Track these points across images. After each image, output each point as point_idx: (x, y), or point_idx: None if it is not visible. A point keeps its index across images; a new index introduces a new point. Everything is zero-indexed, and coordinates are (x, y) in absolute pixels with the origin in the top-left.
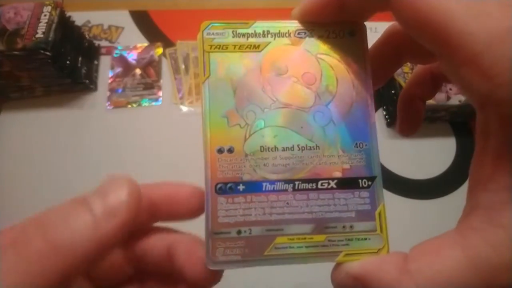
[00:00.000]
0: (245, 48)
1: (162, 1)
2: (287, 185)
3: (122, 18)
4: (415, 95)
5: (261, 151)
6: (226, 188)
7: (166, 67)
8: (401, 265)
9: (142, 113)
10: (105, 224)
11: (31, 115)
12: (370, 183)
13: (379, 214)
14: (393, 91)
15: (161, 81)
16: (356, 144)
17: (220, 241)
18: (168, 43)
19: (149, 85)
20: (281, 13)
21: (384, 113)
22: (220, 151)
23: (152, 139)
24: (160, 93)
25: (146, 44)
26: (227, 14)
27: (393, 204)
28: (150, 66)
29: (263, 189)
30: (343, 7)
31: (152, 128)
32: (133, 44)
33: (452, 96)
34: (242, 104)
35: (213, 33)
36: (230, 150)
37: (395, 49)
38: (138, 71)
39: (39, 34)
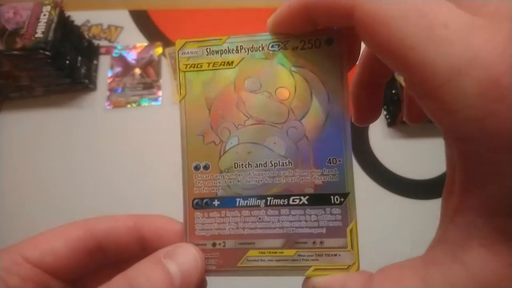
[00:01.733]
0: (219, 65)
1: (162, 0)
2: (259, 200)
3: (122, 17)
4: (369, 80)
5: (235, 167)
6: (202, 203)
7: (165, 66)
8: (364, 285)
9: (142, 113)
10: None
11: (30, 115)
12: (342, 199)
13: (351, 231)
14: (393, 91)
15: (161, 80)
16: (329, 160)
17: None
18: (167, 43)
19: (149, 85)
20: None
21: (385, 113)
22: (196, 168)
23: (152, 139)
24: (160, 93)
25: (145, 43)
26: (227, 14)
27: (393, 204)
28: (149, 65)
29: (237, 204)
30: (312, 20)
31: (151, 128)
32: (132, 44)
33: None
34: (217, 122)
35: (188, 52)
36: (206, 167)
37: None
38: (137, 70)
39: (39, 34)
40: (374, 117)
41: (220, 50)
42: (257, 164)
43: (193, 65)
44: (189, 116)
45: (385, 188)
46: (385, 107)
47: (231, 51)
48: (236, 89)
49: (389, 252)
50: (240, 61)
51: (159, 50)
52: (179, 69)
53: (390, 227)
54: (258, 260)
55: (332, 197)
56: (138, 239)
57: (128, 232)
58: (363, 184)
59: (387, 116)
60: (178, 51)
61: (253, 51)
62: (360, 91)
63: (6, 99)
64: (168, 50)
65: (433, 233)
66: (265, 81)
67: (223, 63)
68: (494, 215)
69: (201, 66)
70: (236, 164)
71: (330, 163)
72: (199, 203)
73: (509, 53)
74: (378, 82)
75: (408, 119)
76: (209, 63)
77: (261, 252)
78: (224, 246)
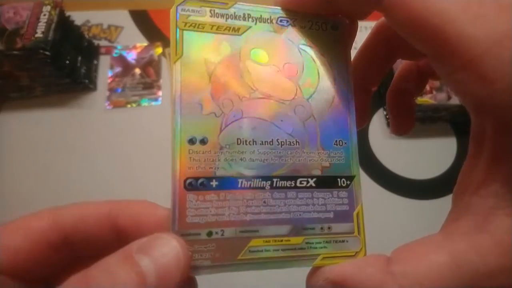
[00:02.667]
0: (224, 30)
1: (162, 0)
2: (264, 182)
3: (122, 17)
4: (403, 91)
5: (238, 144)
6: (197, 184)
7: (165, 66)
8: (383, 267)
9: (142, 113)
10: None
11: (30, 115)
12: (348, 182)
13: (357, 215)
14: None
15: (161, 80)
16: (336, 141)
17: (188, 244)
18: (167, 43)
19: (149, 85)
20: None
21: (385, 113)
22: (191, 141)
23: (152, 139)
24: (160, 93)
25: (145, 43)
26: None
27: (393, 204)
28: (149, 65)
29: (239, 185)
30: (331, 2)
31: (151, 127)
32: (132, 44)
33: (453, 96)
34: (219, 91)
35: (188, 10)
36: (203, 141)
37: (386, 46)
38: (137, 70)
39: (39, 34)
40: (410, 127)
41: (226, 14)
42: (262, 142)
43: (193, 24)
44: (185, 80)
45: (385, 188)
46: (385, 107)
47: (237, 17)
48: (241, 58)
49: (389, 252)
50: (247, 29)
51: (159, 50)
52: (176, 26)
53: (390, 227)
54: (262, 251)
55: (339, 179)
56: (112, 229)
57: (101, 221)
58: (363, 184)
59: (387, 116)
60: (177, 6)
61: (261, 22)
62: (396, 103)
63: (6, 99)
64: (168, 50)
65: (433, 232)
66: (273, 54)
67: (228, 28)
68: None
69: (203, 27)
70: (239, 140)
71: (337, 144)
72: (192, 184)
73: None
74: (366, 88)
75: (395, 131)
76: (212, 26)
77: (266, 241)
78: (222, 235)
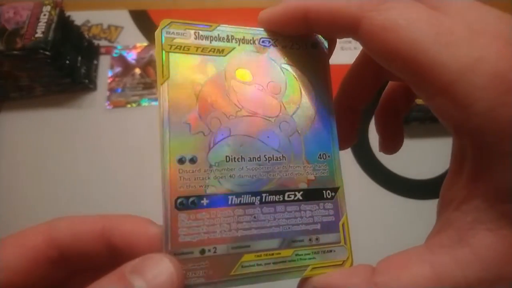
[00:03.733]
0: (209, 51)
1: (162, 0)
2: (254, 197)
3: (122, 17)
4: (390, 111)
5: (226, 161)
6: (188, 203)
7: None
8: (368, 278)
9: (142, 113)
10: None
11: (30, 115)
12: (333, 194)
13: (343, 225)
14: None
15: None
16: (320, 154)
17: (182, 263)
18: None
19: (149, 85)
20: None
21: None
22: (181, 161)
23: (152, 139)
24: None
25: (145, 43)
26: (227, 14)
27: (393, 204)
28: (149, 65)
29: (229, 202)
30: (309, 26)
31: (151, 127)
32: (132, 44)
33: None
34: (206, 110)
35: (173, 32)
36: (193, 160)
37: (373, 67)
38: (137, 70)
39: (39, 34)
40: (399, 145)
41: (210, 36)
42: (250, 158)
43: (178, 47)
44: (172, 101)
45: (385, 188)
46: None
47: (221, 39)
48: (227, 78)
49: (389, 252)
50: (231, 50)
51: None
52: (162, 48)
53: (390, 227)
54: (254, 265)
55: (324, 191)
56: (106, 247)
57: (95, 239)
58: (363, 184)
59: None
60: (162, 29)
61: (244, 43)
62: (338, 116)
63: (6, 99)
64: None
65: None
66: (257, 73)
67: (213, 50)
68: (501, 201)
69: (188, 49)
70: (228, 158)
71: (321, 158)
72: (183, 203)
73: (510, 54)
74: (355, 107)
75: (384, 149)
76: (197, 47)
77: (258, 256)
78: (215, 252)
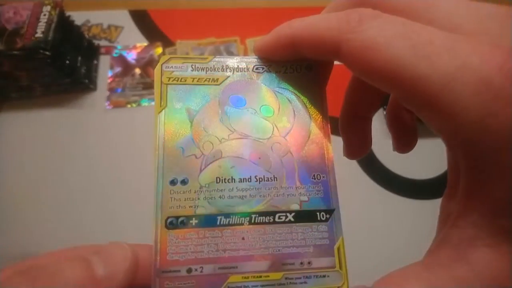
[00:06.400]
0: (204, 81)
1: (162, 0)
2: (243, 218)
3: (122, 17)
4: (401, 109)
5: (217, 182)
6: (177, 223)
7: None
8: None
9: (142, 113)
10: (103, 286)
11: (30, 115)
12: (328, 216)
13: (338, 249)
14: None
15: None
16: (314, 175)
17: (168, 280)
18: (167, 43)
19: (149, 85)
20: (282, 13)
21: (384, 113)
22: (173, 182)
23: (152, 139)
24: None
25: (145, 43)
26: (226, 14)
27: (393, 204)
28: (149, 65)
29: (218, 223)
30: (297, 52)
31: (151, 128)
32: (132, 44)
33: None
34: (199, 135)
35: (172, 67)
36: (184, 182)
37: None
38: (137, 70)
39: (39, 34)
40: (364, 151)
41: (206, 68)
42: (241, 179)
43: (176, 79)
44: (168, 128)
45: (385, 188)
46: (385, 107)
47: (216, 69)
48: (220, 104)
49: (389, 252)
50: (225, 79)
51: (159, 50)
52: (161, 81)
53: (389, 227)
54: (241, 287)
55: (318, 213)
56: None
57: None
58: (363, 184)
59: None
60: (162, 64)
61: (238, 71)
62: (348, 125)
63: (6, 99)
64: (168, 50)
65: (433, 232)
66: (250, 98)
67: (208, 80)
68: (498, 216)
69: (185, 80)
70: (218, 179)
71: (315, 178)
72: (173, 222)
73: (497, 58)
74: (365, 115)
75: (398, 149)
76: (193, 78)
77: (245, 277)
78: (201, 271)
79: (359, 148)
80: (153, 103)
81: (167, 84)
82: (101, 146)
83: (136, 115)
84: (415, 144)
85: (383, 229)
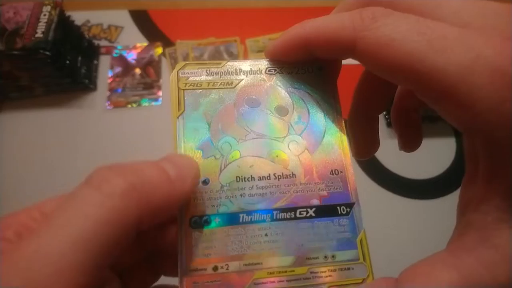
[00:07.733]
0: (219, 85)
1: (162, 0)
2: (265, 215)
3: (122, 17)
4: (406, 108)
5: (237, 181)
6: (201, 222)
7: (165, 66)
8: None
9: (142, 113)
10: (178, 186)
11: (30, 115)
12: (348, 210)
13: (361, 241)
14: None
15: (161, 80)
16: (332, 171)
17: (196, 279)
18: (167, 43)
19: (149, 85)
20: (282, 13)
21: (384, 113)
22: None
23: (152, 139)
24: (160, 93)
25: (145, 43)
26: (226, 14)
27: (393, 204)
28: (149, 65)
29: (240, 220)
30: (310, 52)
31: (151, 128)
32: (132, 44)
33: None
34: (217, 136)
35: (187, 73)
36: (205, 182)
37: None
38: (137, 70)
39: (39, 34)
40: (373, 150)
41: (220, 72)
42: (260, 177)
43: (192, 84)
44: (187, 131)
45: (385, 188)
46: None
47: (230, 73)
48: (236, 106)
49: (389, 252)
50: (240, 82)
51: (159, 50)
52: (178, 87)
53: (390, 227)
54: (267, 283)
55: (338, 207)
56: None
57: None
58: (363, 184)
59: (386, 116)
60: (178, 71)
61: (251, 74)
62: (358, 125)
63: (6, 99)
64: (168, 50)
65: (433, 232)
66: (264, 99)
67: (223, 83)
68: None
69: (201, 85)
70: (238, 178)
71: (333, 174)
72: (197, 222)
73: (508, 48)
74: (373, 115)
75: (404, 147)
76: (209, 83)
77: (270, 273)
78: (227, 269)
79: (368, 147)
80: (153, 103)
81: (184, 89)
82: (101, 146)
83: (136, 115)
84: (420, 143)
85: (383, 228)
